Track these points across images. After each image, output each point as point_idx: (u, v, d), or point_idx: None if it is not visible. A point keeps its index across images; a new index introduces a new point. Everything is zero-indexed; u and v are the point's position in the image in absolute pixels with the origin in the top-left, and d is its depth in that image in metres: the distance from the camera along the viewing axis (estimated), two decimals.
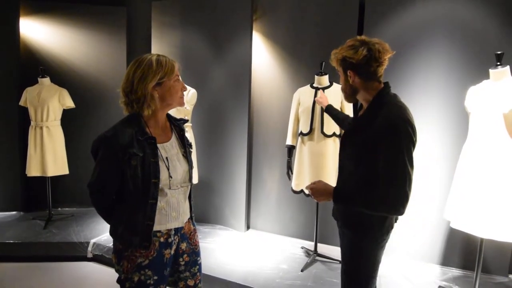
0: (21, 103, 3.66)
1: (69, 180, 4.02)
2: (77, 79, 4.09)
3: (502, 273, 2.78)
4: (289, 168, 3.05)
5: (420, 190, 2.91)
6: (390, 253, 2.98)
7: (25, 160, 3.66)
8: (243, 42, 3.52)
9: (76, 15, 4.04)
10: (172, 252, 1.48)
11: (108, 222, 1.50)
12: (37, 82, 3.67)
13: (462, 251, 2.87)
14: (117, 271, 1.45)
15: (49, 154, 3.57)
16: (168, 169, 1.40)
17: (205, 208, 3.86)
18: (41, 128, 3.57)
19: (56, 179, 3.84)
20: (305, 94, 2.90)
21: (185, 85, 1.51)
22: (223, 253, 3.14)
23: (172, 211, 1.44)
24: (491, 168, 2.06)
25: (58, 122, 3.69)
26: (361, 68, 1.42)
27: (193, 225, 1.61)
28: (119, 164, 1.34)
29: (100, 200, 1.45)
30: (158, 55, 1.40)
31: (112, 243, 1.49)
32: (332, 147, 2.76)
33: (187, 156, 1.51)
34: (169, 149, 1.45)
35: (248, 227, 3.78)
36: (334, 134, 2.76)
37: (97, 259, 3.26)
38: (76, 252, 3.27)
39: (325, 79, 2.84)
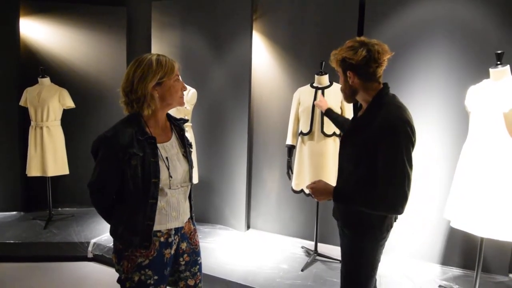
0: (21, 103, 3.66)
1: (69, 180, 4.03)
2: (77, 79, 4.09)
3: (502, 273, 2.78)
4: (289, 167, 3.05)
5: (420, 189, 2.91)
6: (391, 253, 2.98)
7: (25, 160, 3.66)
8: (243, 42, 3.52)
9: (76, 15, 4.04)
10: (172, 252, 1.48)
11: (108, 222, 1.51)
12: (37, 82, 3.67)
13: (462, 251, 2.87)
14: (117, 271, 1.45)
15: (49, 154, 3.57)
16: (168, 169, 1.40)
17: (205, 208, 3.86)
18: (41, 128, 3.57)
19: (56, 179, 3.84)
20: (305, 93, 2.90)
21: (185, 85, 1.51)
22: (223, 253, 3.14)
23: (172, 211, 1.44)
24: (491, 167, 2.06)
25: (58, 122, 3.69)
26: (361, 69, 1.44)
27: (193, 225, 1.61)
28: (119, 164, 1.34)
29: (100, 200, 1.45)
30: (158, 55, 1.40)
31: (112, 243, 1.49)
32: (332, 147, 2.76)
33: (187, 156, 1.51)
34: (169, 149, 1.45)
35: (248, 227, 3.78)
36: (334, 134, 2.76)
37: (97, 259, 3.26)
38: (76, 252, 3.27)
39: (325, 79, 2.84)
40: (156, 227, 1.40)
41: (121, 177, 1.37)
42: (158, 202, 1.39)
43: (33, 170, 3.57)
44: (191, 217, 1.59)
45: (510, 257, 2.78)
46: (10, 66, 3.93)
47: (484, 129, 2.12)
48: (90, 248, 3.28)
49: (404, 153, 1.33)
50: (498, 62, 2.15)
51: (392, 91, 1.51)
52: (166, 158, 1.41)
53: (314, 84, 2.88)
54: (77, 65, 4.11)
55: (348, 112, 2.80)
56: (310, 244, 3.20)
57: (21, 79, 3.93)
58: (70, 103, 3.71)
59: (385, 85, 1.49)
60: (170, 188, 1.42)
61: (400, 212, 1.36)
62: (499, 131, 2.06)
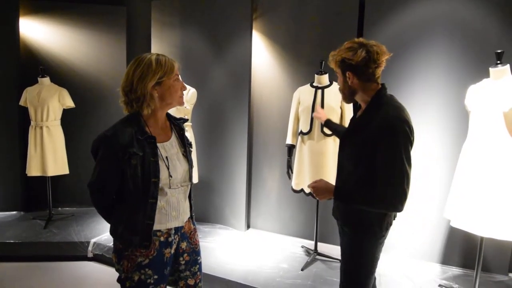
0: (21, 103, 3.66)
1: (69, 179, 4.03)
2: (77, 78, 4.09)
3: (502, 272, 2.78)
4: (289, 167, 3.05)
5: (420, 189, 2.91)
6: (391, 252, 2.99)
7: (25, 160, 3.66)
8: (243, 41, 3.52)
9: (76, 14, 4.03)
10: (172, 251, 1.48)
11: (108, 221, 1.51)
12: (37, 81, 3.67)
13: (462, 250, 2.88)
14: (117, 270, 1.45)
15: (49, 154, 3.57)
16: (168, 168, 1.40)
17: (205, 207, 3.86)
18: (41, 128, 3.57)
19: (56, 178, 3.84)
20: (305, 93, 2.90)
21: (185, 84, 1.51)
22: (223, 252, 3.14)
23: (172, 211, 1.44)
24: (491, 167, 2.06)
25: (58, 122, 3.69)
26: (360, 69, 1.46)
27: (193, 224, 1.62)
28: (119, 164, 1.34)
29: (100, 200, 1.45)
30: (158, 55, 1.40)
31: (112, 243, 1.49)
32: (332, 146, 2.76)
33: (187, 155, 1.51)
34: (169, 148, 1.45)
35: (248, 226, 3.78)
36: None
37: (97, 258, 3.26)
38: (76, 252, 3.27)
39: (325, 78, 2.84)
40: (156, 227, 1.40)
41: (121, 176, 1.37)
42: (158, 202, 1.39)
43: (33, 170, 3.57)
44: (191, 217, 1.59)
45: (510, 257, 2.78)
46: (10, 66, 3.93)
47: (484, 129, 2.12)
48: (90, 248, 3.28)
49: (403, 152, 1.35)
50: (498, 61, 2.15)
51: (392, 90, 1.53)
52: (166, 157, 1.41)
53: (314, 84, 2.88)
54: (77, 65, 4.11)
55: (348, 112, 2.80)
56: (310, 244, 3.21)
57: (21, 79, 3.93)
58: (70, 103, 3.71)
59: (383, 86, 1.52)
60: (170, 188, 1.42)
61: (400, 209, 1.38)
62: (499, 131, 2.06)
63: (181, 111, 3.09)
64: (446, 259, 2.94)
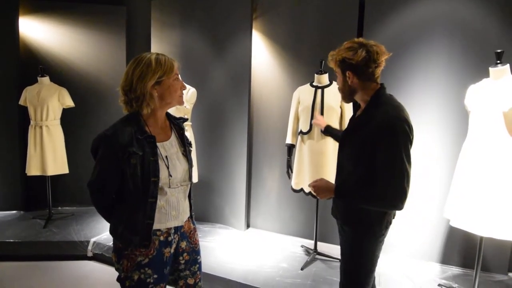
0: (21, 102, 3.66)
1: (69, 179, 4.03)
2: (76, 78, 4.09)
3: (501, 271, 2.78)
4: (289, 167, 3.05)
5: (420, 188, 2.91)
6: (390, 252, 2.99)
7: (25, 159, 3.66)
8: (242, 41, 3.52)
9: (76, 14, 4.03)
10: (172, 250, 1.48)
11: (108, 221, 1.51)
12: (36, 81, 3.67)
13: (462, 250, 2.88)
14: (117, 269, 1.46)
15: (49, 153, 3.57)
16: (168, 168, 1.41)
17: (205, 207, 3.86)
18: (41, 127, 3.57)
19: (56, 178, 3.84)
20: (305, 93, 2.90)
21: (185, 84, 1.51)
22: (223, 252, 3.14)
23: (172, 210, 1.44)
24: (491, 166, 2.07)
25: (58, 121, 3.69)
26: (360, 69, 1.47)
27: (193, 224, 1.62)
28: (118, 163, 1.34)
29: (100, 199, 1.45)
30: (157, 54, 1.40)
31: (112, 242, 1.49)
32: (332, 146, 2.75)
33: (186, 155, 1.51)
34: (168, 147, 1.45)
35: (248, 226, 3.78)
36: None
37: (97, 258, 3.26)
38: (76, 251, 3.27)
39: (325, 78, 2.84)
40: (155, 226, 1.40)
41: (120, 176, 1.37)
42: (158, 201, 1.39)
43: (32, 169, 3.57)
44: (190, 216, 1.59)
45: (510, 256, 2.78)
46: (10, 65, 3.93)
47: (484, 128, 2.12)
48: (90, 247, 3.28)
49: (403, 151, 1.36)
50: (498, 61, 2.15)
51: (392, 90, 1.54)
52: (166, 157, 1.41)
53: (314, 83, 2.88)
54: (76, 64, 4.10)
55: (348, 111, 2.80)
56: (310, 243, 3.21)
57: (20, 78, 3.92)
58: (69, 102, 3.71)
59: (382, 85, 1.53)
60: (169, 187, 1.42)
61: (400, 208, 1.39)
62: (498, 130, 2.06)
63: (181, 111, 3.09)
64: (445, 259, 2.94)
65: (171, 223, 1.45)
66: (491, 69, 2.18)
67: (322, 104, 2.76)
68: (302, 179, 2.89)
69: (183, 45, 3.83)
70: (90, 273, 3.07)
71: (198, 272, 1.60)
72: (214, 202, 3.86)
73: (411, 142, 1.42)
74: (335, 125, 2.78)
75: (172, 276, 1.57)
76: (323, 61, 2.81)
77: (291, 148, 3.02)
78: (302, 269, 2.84)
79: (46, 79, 3.68)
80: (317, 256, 3.04)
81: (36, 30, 4.03)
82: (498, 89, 2.11)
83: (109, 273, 2.96)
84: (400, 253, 3.06)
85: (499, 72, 2.14)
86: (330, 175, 2.73)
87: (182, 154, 1.50)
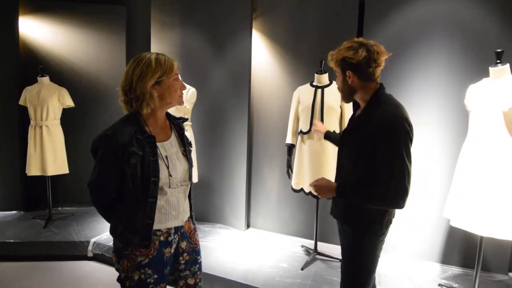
0: (21, 102, 3.66)
1: (69, 179, 4.02)
2: (76, 78, 4.08)
3: (502, 271, 2.78)
4: (289, 166, 3.05)
5: (420, 188, 2.91)
6: (390, 252, 2.99)
7: (25, 159, 3.65)
8: (242, 40, 3.51)
9: (76, 14, 4.03)
10: (172, 251, 1.48)
11: (108, 221, 1.51)
12: (36, 81, 3.67)
13: (462, 249, 2.88)
14: (117, 270, 1.45)
15: (49, 153, 3.57)
16: (168, 168, 1.40)
17: (205, 207, 3.86)
18: (41, 127, 3.56)
19: (56, 178, 3.84)
20: (305, 92, 2.90)
21: (185, 84, 1.51)
22: (223, 252, 3.14)
23: (172, 210, 1.44)
24: (491, 166, 2.06)
25: (58, 121, 3.69)
26: (361, 68, 1.47)
27: (193, 224, 1.61)
28: (118, 163, 1.34)
29: (100, 199, 1.45)
30: (157, 54, 1.40)
31: (112, 242, 1.49)
32: (332, 146, 2.74)
33: (187, 154, 1.51)
34: (168, 147, 1.45)
35: (248, 226, 3.78)
36: (334, 133, 2.76)
37: (97, 258, 3.26)
38: (76, 251, 3.27)
39: (325, 78, 2.84)
40: (155, 226, 1.40)
41: (120, 176, 1.37)
42: (158, 201, 1.39)
43: (32, 169, 3.57)
44: (191, 216, 1.59)
45: (510, 256, 2.78)
46: (10, 65, 3.92)
47: (484, 128, 2.12)
48: (90, 247, 3.28)
49: (403, 149, 1.37)
50: (498, 61, 2.15)
51: (392, 90, 1.54)
52: (166, 157, 1.41)
53: (314, 83, 2.88)
54: (76, 64, 4.10)
55: (348, 111, 2.80)
56: (310, 243, 3.21)
57: (20, 78, 3.92)
58: (69, 102, 3.71)
59: (382, 85, 1.54)
60: (169, 187, 1.42)
61: (401, 206, 1.39)
62: (498, 130, 2.06)
63: (181, 111, 3.09)
64: (446, 259, 2.94)
65: (171, 223, 1.45)
66: (491, 69, 2.18)
67: (322, 104, 2.76)
68: (302, 179, 2.89)
69: (183, 45, 3.83)
70: (90, 273, 3.07)
71: (198, 272, 1.60)
72: (214, 202, 3.86)
73: (411, 140, 1.42)
74: (335, 125, 2.78)
75: (172, 276, 1.57)
76: (323, 61, 2.81)
77: (291, 148, 3.02)
78: (302, 269, 2.84)
79: (46, 79, 3.68)
80: (317, 256, 3.04)
81: (36, 30, 4.02)
82: (498, 89, 2.11)
83: (109, 273, 2.96)
84: (400, 253, 3.06)
85: (499, 72, 2.14)
86: (330, 175, 2.72)
87: (182, 154, 1.50)
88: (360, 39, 1.51)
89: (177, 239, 1.50)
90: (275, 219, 3.66)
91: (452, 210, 2.25)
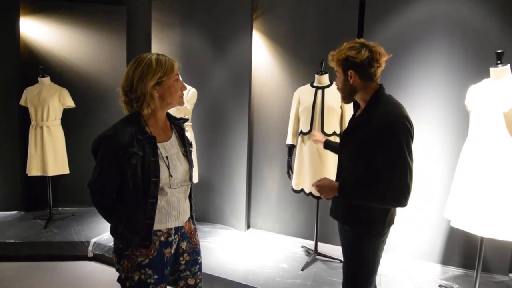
0: (22, 102, 3.66)
1: (70, 179, 4.03)
2: (77, 78, 4.09)
3: (502, 272, 2.78)
4: (289, 167, 3.05)
5: (420, 189, 2.90)
6: (391, 252, 2.98)
7: (26, 159, 3.66)
8: (243, 41, 3.52)
9: (76, 14, 4.04)
10: (173, 251, 1.48)
11: (108, 221, 1.51)
12: (37, 81, 3.67)
13: (463, 250, 2.87)
14: (117, 270, 1.45)
15: (50, 154, 3.58)
16: (168, 168, 1.40)
17: (205, 207, 3.86)
18: (42, 127, 3.57)
19: (56, 178, 3.84)
20: (305, 93, 2.90)
21: (185, 84, 1.51)
22: (224, 252, 3.14)
23: (172, 210, 1.44)
24: (491, 167, 2.06)
25: (59, 122, 3.69)
26: (363, 68, 1.48)
27: (194, 224, 1.62)
28: (119, 164, 1.34)
29: (101, 199, 1.45)
30: (158, 54, 1.40)
31: (112, 242, 1.49)
32: None
33: (187, 155, 1.51)
34: (169, 148, 1.45)
35: (248, 226, 3.78)
36: (334, 133, 2.76)
37: (97, 258, 3.26)
38: (76, 252, 3.27)
39: (325, 78, 2.84)
40: (156, 226, 1.40)
41: (121, 176, 1.37)
42: (158, 201, 1.39)
43: (33, 169, 3.58)
44: (191, 217, 1.59)
45: (510, 257, 2.78)
46: (10, 66, 3.93)
47: (484, 129, 2.12)
48: (90, 248, 3.28)
49: (405, 147, 1.37)
50: (498, 61, 2.15)
51: (392, 90, 1.55)
52: (166, 157, 1.41)
53: (314, 84, 2.88)
54: (77, 65, 4.11)
55: (348, 111, 2.80)
56: (310, 244, 3.20)
57: (21, 79, 3.93)
58: (70, 103, 3.72)
59: (381, 85, 1.54)
60: (170, 188, 1.42)
61: (404, 204, 1.39)
62: (499, 131, 2.06)
63: (181, 111, 3.09)
64: (446, 259, 2.94)
65: (171, 223, 1.45)
66: (491, 70, 2.18)
67: (323, 104, 2.76)
68: (302, 179, 2.89)
69: (183, 45, 3.83)
70: (91, 274, 3.07)
71: (198, 273, 1.60)
72: (214, 203, 3.86)
73: (412, 138, 1.42)
74: (336, 125, 2.78)
75: (173, 276, 1.57)
76: (324, 62, 2.81)
77: (291, 148, 3.02)
78: (302, 269, 2.83)
79: (46, 80, 3.68)
80: (318, 257, 3.03)
81: (37, 31, 4.03)
82: (498, 90, 2.11)
83: (110, 273, 2.96)
84: (400, 253, 3.05)
85: (499, 73, 2.14)
86: (331, 176, 2.72)
87: (183, 154, 1.50)
88: (361, 40, 1.52)
89: (177, 239, 1.50)
90: (275, 220, 3.66)
91: (452, 211, 2.25)
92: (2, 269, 3.09)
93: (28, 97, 3.59)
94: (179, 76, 1.47)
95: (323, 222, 3.15)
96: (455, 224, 2.21)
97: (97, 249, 3.25)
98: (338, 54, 1.52)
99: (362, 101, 1.57)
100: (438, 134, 2.89)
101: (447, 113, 2.85)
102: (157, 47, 3.91)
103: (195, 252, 1.58)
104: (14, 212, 4.01)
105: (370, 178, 1.44)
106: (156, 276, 1.41)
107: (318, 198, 2.88)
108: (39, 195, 4.08)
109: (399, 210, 1.57)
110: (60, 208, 4.14)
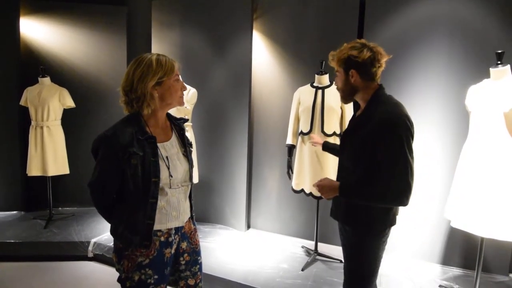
0: (22, 102, 3.66)
1: (70, 179, 4.03)
2: (77, 78, 4.09)
3: (502, 272, 2.78)
4: (290, 167, 3.05)
5: (420, 189, 2.90)
6: (391, 252, 2.98)
7: (26, 159, 3.66)
8: (243, 41, 3.52)
9: (77, 14, 4.04)
10: (173, 251, 1.48)
11: (108, 221, 1.51)
12: (37, 81, 3.67)
13: (463, 250, 2.87)
14: (117, 270, 1.45)
15: (50, 154, 3.58)
16: (169, 168, 1.40)
17: (205, 207, 3.86)
18: (42, 127, 3.57)
19: (56, 178, 3.84)
20: (305, 93, 2.90)
21: (185, 84, 1.51)
22: (224, 253, 3.14)
23: (172, 210, 1.44)
24: (492, 167, 2.06)
25: (59, 122, 3.70)
26: (365, 67, 1.48)
27: (194, 224, 1.61)
28: (119, 164, 1.34)
29: (101, 200, 1.45)
30: (158, 55, 1.40)
31: (112, 242, 1.49)
32: None
33: (187, 155, 1.51)
34: (169, 148, 1.45)
35: (248, 227, 3.78)
36: (334, 134, 2.76)
37: (97, 258, 3.26)
38: (76, 252, 3.27)
39: (325, 78, 2.84)
40: (156, 227, 1.40)
41: (121, 176, 1.37)
42: (158, 202, 1.39)
43: (33, 169, 3.58)
44: (191, 217, 1.59)
45: (510, 257, 2.78)
46: (10, 66, 3.93)
47: (484, 129, 2.12)
48: (90, 248, 3.28)
49: (405, 145, 1.37)
50: (499, 62, 2.15)
51: (392, 91, 1.55)
52: (166, 157, 1.41)
53: (314, 84, 2.88)
54: (77, 65, 4.11)
55: (348, 111, 2.80)
56: (311, 244, 3.20)
57: (21, 79, 3.93)
58: (70, 103, 3.72)
59: (381, 85, 1.55)
60: (170, 188, 1.42)
61: (405, 203, 1.39)
62: (499, 131, 2.06)
63: (182, 111, 3.09)
64: (446, 260, 2.94)
65: (171, 223, 1.45)
66: (491, 70, 2.18)
67: (323, 104, 2.76)
68: (302, 179, 2.89)
69: (183, 46, 3.83)
70: (91, 274, 3.07)
71: (198, 273, 1.60)
72: (215, 203, 3.86)
73: (412, 137, 1.42)
74: (336, 126, 2.78)
75: (173, 276, 1.57)
76: (324, 62, 2.81)
77: (291, 148, 3.02)
78: (302, 270, 2.83)
79: (47, 80, 3.68)
80: (318, 257, 3.03)
81: (37, 31, 4.03)
82: (498, 90, 2.11)
83: (110, 273, 2.96)
84: (401, 253, 3.05)
85: (499, 73, 2.14)
86: (331, 176, 2.72)
87: (183, 154, 1.50)
88: (362, 40, 1.53)
89: (177, 239, 1.50)
90: (276, 220, 3.66)
91: (452, 211, 2.25)
92: (2, 269, 3.09)
93: (28, 97, 3.59)
94: (179, 76, 1.47)
95: (323, 222, 3.15)
96: (455, 224, 2.21)
97: (97, 249, 3.25)
98: (340, 53, 1.52)
99: (362, 101, 1.57)
100: (438, 134, 2.89)
101: (447, 113, 2.85)
102: (157, 47, 3.91)
103: (195, 252, 1.58)
104: (14, 212, 4.01)
105: (370, 177, 1.43)
106: (156, 276, 1.41)
107: (318, 198, 2.87)
108: (39, 195, 4.08)
109: (400, 209, 1.56)
110: (60, 208, 4.14)
